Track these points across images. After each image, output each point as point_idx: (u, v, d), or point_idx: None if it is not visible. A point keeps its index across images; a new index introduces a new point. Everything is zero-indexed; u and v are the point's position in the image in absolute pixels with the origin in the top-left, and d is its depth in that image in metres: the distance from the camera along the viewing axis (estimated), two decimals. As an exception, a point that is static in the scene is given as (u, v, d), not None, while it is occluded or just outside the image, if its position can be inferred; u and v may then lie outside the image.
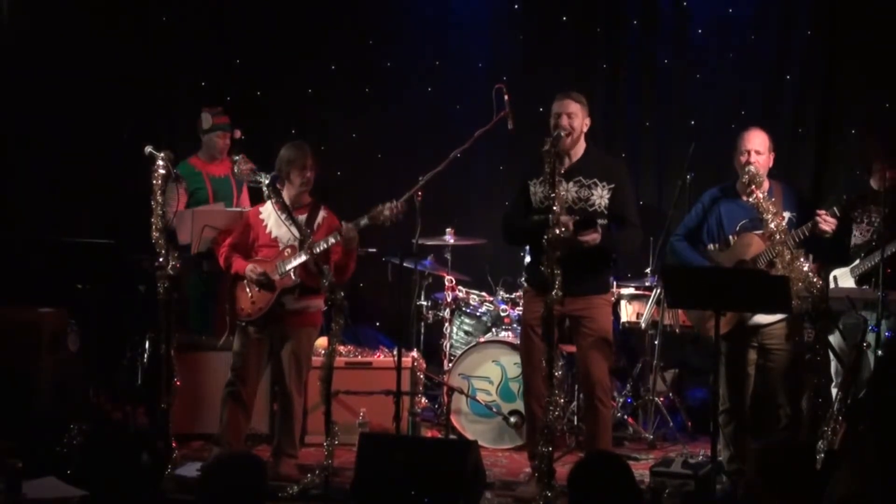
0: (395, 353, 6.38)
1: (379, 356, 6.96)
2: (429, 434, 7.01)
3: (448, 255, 7.42)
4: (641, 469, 5.91)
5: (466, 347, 7.03)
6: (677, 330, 7.10)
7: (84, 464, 4.70)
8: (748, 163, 5.79)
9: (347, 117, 8.49)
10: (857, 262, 5.87)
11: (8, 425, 5.86)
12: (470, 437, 6.69)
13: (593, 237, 5.57)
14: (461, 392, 6.80)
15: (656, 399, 7.07)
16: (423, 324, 7.40)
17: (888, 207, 5.64)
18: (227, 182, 7.19)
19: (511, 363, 6.81)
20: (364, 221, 5.88)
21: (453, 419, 6.82)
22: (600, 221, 5.66)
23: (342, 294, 5.39)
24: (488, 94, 6.18)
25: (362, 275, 7.57)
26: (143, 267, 6.11)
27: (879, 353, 5.44)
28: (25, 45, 7.96)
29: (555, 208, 5.29)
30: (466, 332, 7.34)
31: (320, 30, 8.46)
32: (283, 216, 5.80)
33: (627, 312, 7.27)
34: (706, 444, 5.78)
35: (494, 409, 6.82)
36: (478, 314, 7.35)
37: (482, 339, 7.08)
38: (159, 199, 5.57)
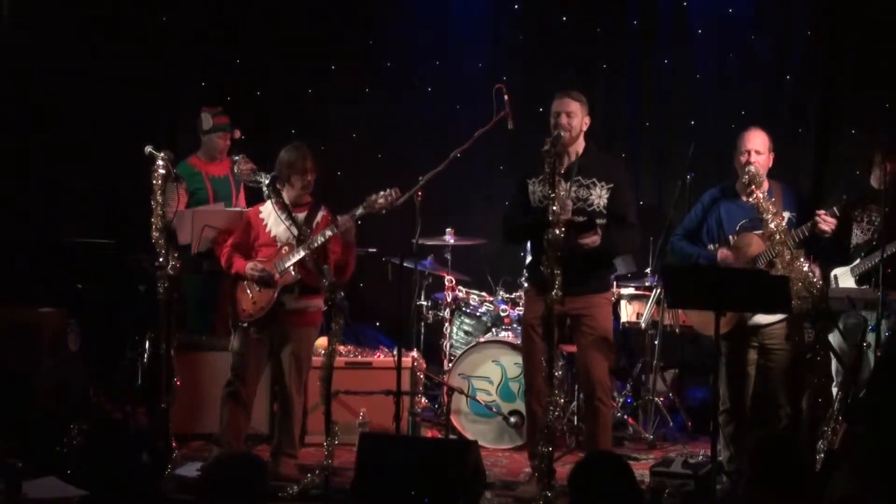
0: (395, 353, 6.38)
1: (379, 356, 6.96)
2: (429, 434, 7.01)
3: (448, 255, 7.42)
4: (641, 469, 5.91)
5: (466, 347, 7.03)
6: (677, 330, 7.11)
7: (84, 464, 4.70)
8: (748, 163, 5.79)
9: (347, 117, 8.49)
10: (858, 261, 5.86)
11: (8, 425, 5.85)
12: (470, 437, 6.69)
13: (593, 239, 5.57)
14: (461, 392, 6.80)
15: (656, 399, 7.07)
16: (423, 324, 7.40)
17: (888, 206, 5.64)
18: (227, 182, 7.19)
19: (511, 363, 6.81)
20: (360, 211, 5.89)
21: (453, 419, 6.82)
22: (599, 221, 5.65)
23: (342, 294, 5.39)
24: (488, 94, 6.18)
25: (362, 275, 7.60)
26: (143, 267, 6.10)
27: (879, 353, 5.43)
28: (26, 44, 7.96)
29: (554, 208, 5.29)
30: (466, 332, 7.34)
31: (320, 30, 8.46)
32: (283, 216, 5.80)
33: (627, 312, 7.27)
34: (706, 444, 5.77)
35: (494, 409, 6.82)
36: (478, 314, 7.35)
37: (482, 339, 7.08)
38: (159, 199, 5.56)
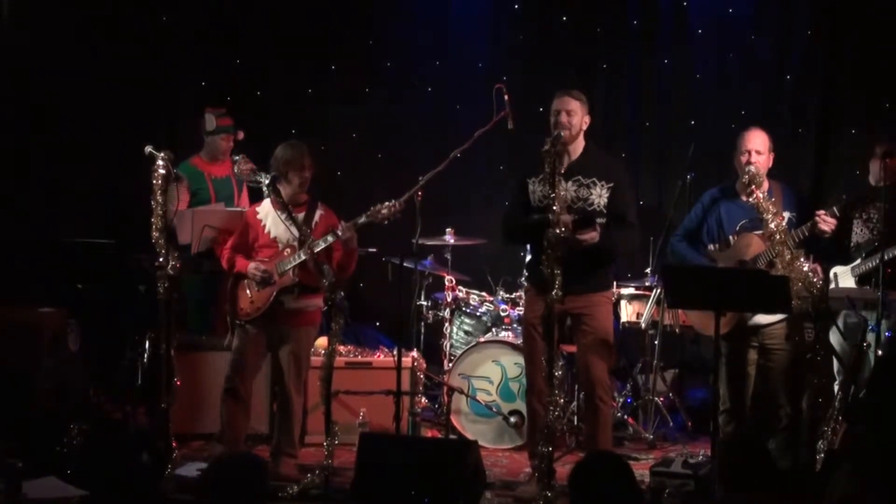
0: (395, 353, 6.38)
1: (379, 356, 6.95)
2: (429, 434, 7.01)
3: (448, 255, 7.42)
4: (641, 469, 5.90)
5: (466, 347, 7.02)
6: (677, 330, 7.11)
7: (84, 464, 4.69)
8: (748, 163, 5.79)
9: (347, 117, 8.49)
10: (858, 261, 5.87)
11: (8, 425, 5.85)
12: (470, 437, 6.69)
13: (591, 236, 5.56)
14: (461, 392, 6.80)
15: (656, 399, 7.07)
16: (423, 324, 7.40)
17: (888, 203, 5.64)
18: (229, 182, 7.18)
19: (511, 363, 6.81)
20: (362, 220, 5.89)
21: (453, 419, 6.81)
22: (599, 220, 5.65)
23: (342, 294, 5.39)
24: (488, 94, 6.17)
25: (362, 275, 7.60)
26: (143, 267, 6.09)
27: (879, 353, 5.44)
28: (26, 44, 7.96)
29: (555, 208, 5.29)
30: (466, 332, 7.34)
31: (320, 30, 8.46)
32: (283, 216, 5.80)
33: (627, 312, 7.26)
34: (706, 444, 5.78)
35: (494, 409, 6.82)
36: (478, 314, 7.35)
37: (482, 339, 7.08)
38: (159, 199, 5.55)
